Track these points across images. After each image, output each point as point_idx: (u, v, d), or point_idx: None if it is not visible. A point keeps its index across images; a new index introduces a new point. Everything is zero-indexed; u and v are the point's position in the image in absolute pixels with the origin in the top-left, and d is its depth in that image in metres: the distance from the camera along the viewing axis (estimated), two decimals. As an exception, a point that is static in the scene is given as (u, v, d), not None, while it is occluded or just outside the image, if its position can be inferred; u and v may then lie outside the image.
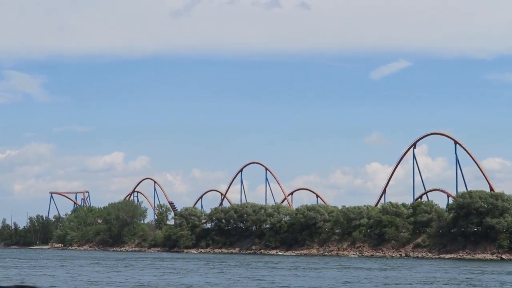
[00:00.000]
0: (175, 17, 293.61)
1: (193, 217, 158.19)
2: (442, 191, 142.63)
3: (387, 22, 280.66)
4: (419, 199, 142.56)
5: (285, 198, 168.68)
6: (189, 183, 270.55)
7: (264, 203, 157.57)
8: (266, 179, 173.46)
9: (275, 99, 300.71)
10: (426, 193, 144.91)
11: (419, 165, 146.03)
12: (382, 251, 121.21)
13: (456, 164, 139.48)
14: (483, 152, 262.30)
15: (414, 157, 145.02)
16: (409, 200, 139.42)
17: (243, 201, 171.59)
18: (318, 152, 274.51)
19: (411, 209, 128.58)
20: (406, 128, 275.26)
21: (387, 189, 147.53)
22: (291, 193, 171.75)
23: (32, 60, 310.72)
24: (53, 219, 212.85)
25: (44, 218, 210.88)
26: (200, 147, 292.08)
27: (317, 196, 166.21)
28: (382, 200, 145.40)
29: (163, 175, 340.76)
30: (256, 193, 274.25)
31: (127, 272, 69.45)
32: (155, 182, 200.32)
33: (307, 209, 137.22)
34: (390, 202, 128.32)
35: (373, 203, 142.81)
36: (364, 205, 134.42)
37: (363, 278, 60.86)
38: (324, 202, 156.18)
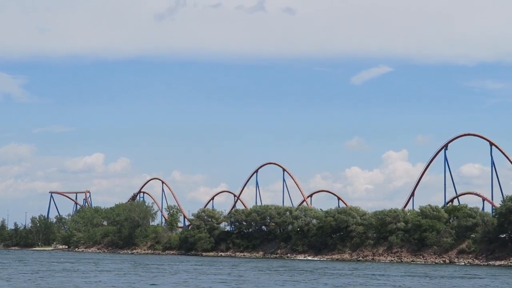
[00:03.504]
0: (159, 20, 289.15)
1: (211, 219, 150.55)
2: (476, 194, 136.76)
3: (368, 27, 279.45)
4: (450, 203, 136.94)
5: (303, 200, 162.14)
6: (169, 186, 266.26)
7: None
8: (284, 180, 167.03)
9: (256, 103, 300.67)
10: (457, 196, 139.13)
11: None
12: (423, 257, 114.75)
13: (492, 166, 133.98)
14: (462, 158, 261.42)
15: (445, 158, 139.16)
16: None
17: (258, 203, 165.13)
18: (298, 156, 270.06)
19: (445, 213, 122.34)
20: (386, 133, 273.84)
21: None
22: (311, 195, 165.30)
23: (13, 60, 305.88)
24: (55, 220, 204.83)
25: (45, 218, 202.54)
26: (180, 149, 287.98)
27: (339, 198, 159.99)
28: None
29: (143, 177, 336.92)
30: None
31: (192, 278, 62.46)
32: (163, 182, 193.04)
33: (338, 212, 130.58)
34: (430, 205, 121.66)
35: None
36: (398, 208, 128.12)
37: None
38: (346, 205, 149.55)
